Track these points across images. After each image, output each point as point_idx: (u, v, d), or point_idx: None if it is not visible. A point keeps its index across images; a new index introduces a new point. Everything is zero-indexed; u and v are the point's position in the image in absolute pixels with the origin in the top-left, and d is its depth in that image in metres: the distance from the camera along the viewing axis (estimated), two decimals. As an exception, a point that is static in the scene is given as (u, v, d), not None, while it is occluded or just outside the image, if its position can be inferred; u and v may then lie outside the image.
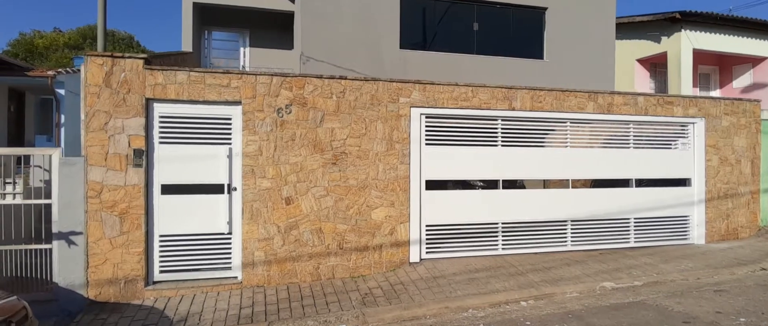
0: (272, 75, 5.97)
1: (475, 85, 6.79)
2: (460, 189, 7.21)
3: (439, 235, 6.80)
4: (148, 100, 5.58)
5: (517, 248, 7.11)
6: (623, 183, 7.76)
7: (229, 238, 5.93)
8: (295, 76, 6.05)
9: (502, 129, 7.03)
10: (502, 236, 7.05)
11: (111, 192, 5.42)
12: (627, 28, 14.65)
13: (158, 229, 5.68)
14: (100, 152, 5.40)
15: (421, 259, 6.61)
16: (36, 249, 5.45)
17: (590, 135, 7.57)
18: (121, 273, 5.45)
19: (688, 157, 8.10)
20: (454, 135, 6.84)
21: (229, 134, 5.94)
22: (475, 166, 6.90)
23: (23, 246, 5.39)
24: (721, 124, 8.22)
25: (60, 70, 11.20)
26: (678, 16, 12.91)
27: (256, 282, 5.89)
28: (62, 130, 10.27)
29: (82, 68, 5.53)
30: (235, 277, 5.91)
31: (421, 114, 6.57)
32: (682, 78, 13.32)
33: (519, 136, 7.17)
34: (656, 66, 15.34)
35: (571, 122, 7.36)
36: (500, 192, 7.05)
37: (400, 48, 10.06)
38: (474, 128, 6.93)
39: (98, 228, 5.39)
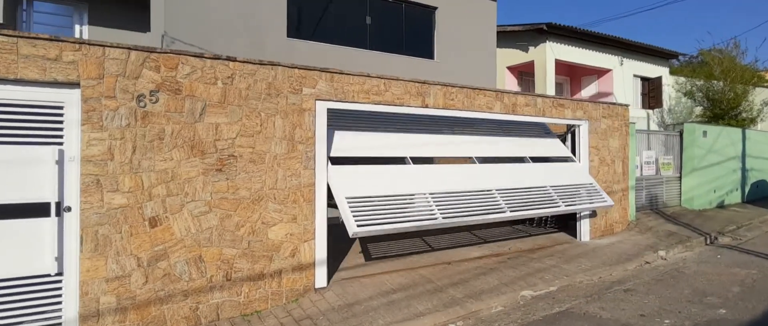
0: (130, 48, 4.30)
1: (388, 78, 5.94)
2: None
3: (349, 252, 5.79)
4: None
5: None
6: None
7: (60, 281, 4.11)
8: (165, 52, 4.47)
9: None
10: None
11: None
12: (499, 37, 15.41)
13: (-69, 277, 3.62)
14: None
15: (328, 283, 5.52)
16: None
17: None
18: None
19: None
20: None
21: (61, 130, 4.12)
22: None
23: None
24: (600, 126, 8.73)
25: None
26: (545, 27, 13.90)
27: (106, 339, 4.17)
28: None
29: None
30: (71, 336, 4.12)
31: (328, 109, 5.49)
32: (548, 85, 14.41)
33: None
34: (523, 74, 16.47)
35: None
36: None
37: (288, 36, 8.79)
38: (384, 127, 6.11)
39: None
